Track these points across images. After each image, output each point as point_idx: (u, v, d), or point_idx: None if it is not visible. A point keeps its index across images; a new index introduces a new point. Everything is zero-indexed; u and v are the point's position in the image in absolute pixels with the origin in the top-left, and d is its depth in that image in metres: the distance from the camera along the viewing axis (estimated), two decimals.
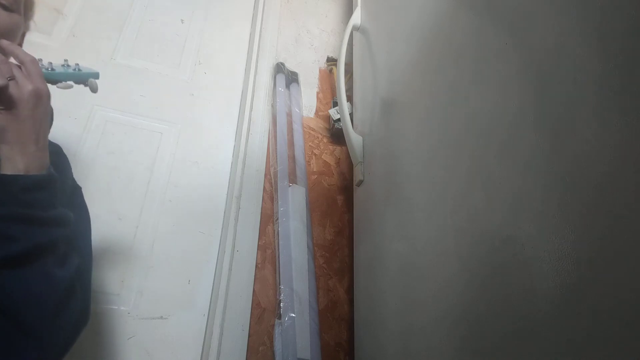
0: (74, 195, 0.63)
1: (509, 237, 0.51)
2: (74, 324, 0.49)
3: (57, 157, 0.63)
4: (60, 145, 0.67)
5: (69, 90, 0.59)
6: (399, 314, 0.77)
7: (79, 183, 0.67)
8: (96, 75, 0.59)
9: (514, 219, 0.51)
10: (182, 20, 1.36)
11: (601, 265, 0.39)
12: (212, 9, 1.43)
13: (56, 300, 0.46)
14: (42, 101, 0.49)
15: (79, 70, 0.58)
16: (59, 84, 0.56)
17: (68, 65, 0.57)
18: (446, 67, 0.72)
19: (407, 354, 0.72)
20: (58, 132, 0.77)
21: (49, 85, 0.55)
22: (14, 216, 0.44)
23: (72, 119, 1.07)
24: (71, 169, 0.66)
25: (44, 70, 0.54)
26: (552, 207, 0.45)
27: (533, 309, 0.46)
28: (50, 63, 0.56)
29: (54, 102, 0.69)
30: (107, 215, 0.99)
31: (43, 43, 1.14)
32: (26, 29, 0.66)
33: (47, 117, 0.50)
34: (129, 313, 0.92)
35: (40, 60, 0.54)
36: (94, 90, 0.60)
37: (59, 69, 0.56)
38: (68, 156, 0.67)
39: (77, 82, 0.58)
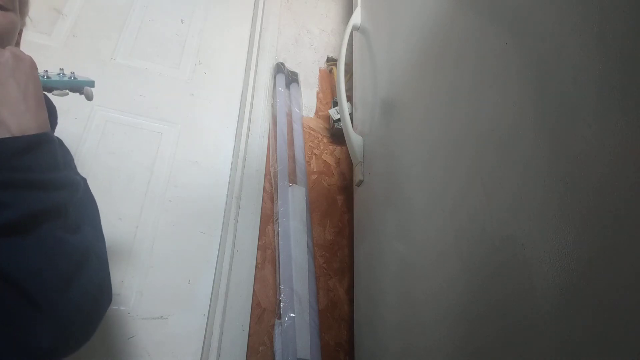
0: None
1: (509, 237, 0.51)
2: (92, 298, 0.45)
3: (60, 147, 0.63)
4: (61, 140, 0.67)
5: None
6: (399, 314, 0.77)
7: None
8: (91, 84, 0.60)
9: (514, 219, 0.51)
10: (182, 20, 1.36)
11: (601, 265, 0.39)
12: (212, 9, 1.43)
13: (66, 268, 0.42)
14: (23, 64, 0.48)
15: (75, 78, 0.59)
16: (55, 92, 0.57)
17: (64, 74, 0.58)
18: (446, 67, 0.72)
19: (408, 354, 0.72)
20: (58, 132, 0.77)
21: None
22: (5, 182, 0.41)
23: (72, 119, 1.07)
24: (73, 160, 0.65)
25: (39, 77, 0.55)
26: (552, 207, 0.45)
27: (533, 309, 0.46)
28: (46, 71, 0.56)
29: (55, 102, 0.69)
30: (107, 215, 0.98)
31: (43, 43, 1.14)
32: (22, 25, 0.66)
33: (34, 79, 0.49)
34: (129, 313, 0.92)
35: (36, 69, 0.55)
36: (89, 98, 0.61)
37: (54, 77, 0.57)
38: None
39: (72, 90, 0.60)
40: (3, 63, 0.46)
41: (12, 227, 0.41)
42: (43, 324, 0.40)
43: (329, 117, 1.32)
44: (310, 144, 1.27)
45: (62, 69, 0.58)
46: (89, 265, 0.45)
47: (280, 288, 0.99)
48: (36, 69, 0.50)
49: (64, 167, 0.48)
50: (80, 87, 0.59)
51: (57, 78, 0.57)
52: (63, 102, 1.08)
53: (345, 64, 1.18)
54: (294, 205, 1.10)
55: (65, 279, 0.42)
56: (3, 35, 0.55)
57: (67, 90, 0.58)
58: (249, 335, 0.94)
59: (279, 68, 1.35)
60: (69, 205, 0.46)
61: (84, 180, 0.64)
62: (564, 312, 0.42)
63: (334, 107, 1.32)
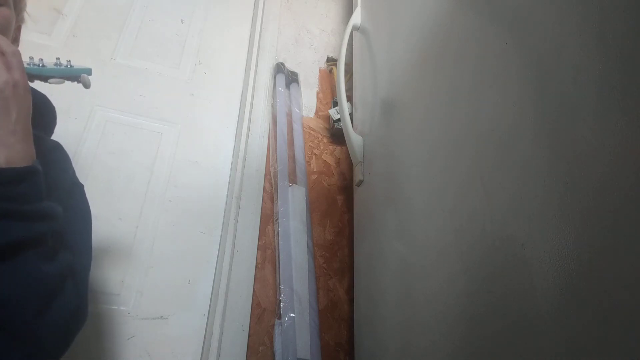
0: (72, 192, 0.62)
1: (509, 237, 0.51)
2: (65, 323, 0.47)
3: (57, 152, 0.62)
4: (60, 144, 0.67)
5: (69, 90, 0.59)
6: (399, 314, 0.77)
7: None
8: (88, 71, 0.59)
9: (514, 219, 0.51)
10: (182, 20, 1.36)
11: (601, 265, 0.39)
12: (212, 9, 1.43)
13: (39, 298, 0.44)
14: (17, 92, 0.47)
15: (71, 66, 0.57)
16: (51, 80, 0.56)
17: (60, 64, 0.57)
18: (446, 67, 0.72)
19: (407, 354, 0.72)
20: (58, 132, 0.77)
21: (43, 83, 0.55)
22: None
23: (72, 119, 1.07)
24: (72, 165, 0.65)
25: (34, 66, 0.54)
26: (552, 207, 0.45)
27: (533, 309, 0.46)
28: (42, 60, 0.55)
29: (55, 102, 0.69)
30: (107, 215, 0.99)
31: (43, 43, 1.14)
32: (21, 21, 0.65)
33: (26, 109, 0.49)
34: (129, 313, 0.92)
35: (32, 58, 0.54)
36: (86, 86, 0.60)
37: (50, 66, 0.56)
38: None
39: (69, 79, 0.58)
40: (1, 89, 0.46)
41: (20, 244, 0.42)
42: (14, 350, 0.42)
43: (329, 117, 1.32)
44: (310, 144, 1.27)
45: (59, 58, 0.57)
46: (63, 293, 0.47)
47: (280, 288, 0.99)
48: (29, 92, 0.50)
49: (47, 197, 0.48)
50: (77, 75, 0.58)
51: (54, 67, 0.56)
52: (63, 102, 1.08)
53: (345, 64, 1.18)
54: (294, 205, 1.10)
55: (37, 309, 0.43)
56: None
57: (63, 79, 0.57)
58: (249, 335, 0.94)
59: (279, 68, 1.35)
60: (46, 234, 0.47)
61: (81, 186, 0.64)
62: (564, 312, 0.42)
63: (334, 107, 1.32)
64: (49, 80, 0.56)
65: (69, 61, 0.58)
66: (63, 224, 0.50)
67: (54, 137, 0.68)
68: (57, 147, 0.64)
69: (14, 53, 0.49)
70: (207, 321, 0.97)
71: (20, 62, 0.49)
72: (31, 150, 0.48)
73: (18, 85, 0.48)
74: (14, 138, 0.46)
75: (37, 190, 0.47)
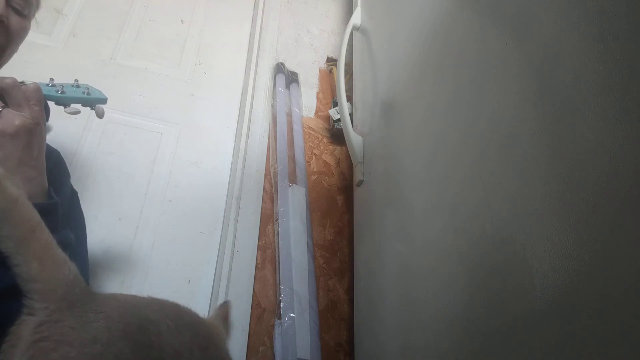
0: (72, 204, 0.63)
1: (509, 237, 0.51)
2: None
3: (59, 165, 0.63)
4: (61, 146, 0.67)
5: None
6: (399, 314, 0.77)
7: (79, 183, 0.67)
8: (104, 101, 0.60)
9: (514, 219, 0.51)
10: (182, 20, 1.36)
11: (601, 265, 0.39)
12: (212, 9, 1.43)
13: None
14: (38, 129, 0.49)
15: (88, 93, 0.58)
16: (67, 109, 0.57)
17: (78, 86, 0.58)
18: (446, 67, 0.72)
19: (407, 354, 0.72)
20: (58, 132, 0.77)
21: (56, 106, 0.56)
22: None
23: (72, 119, 1.06)
24: (69, 175, 0.66)
25: (54, 92, 0.54)
26: (552, 207, 0.45)
27: (532, 309, 0.46)
28: (62, 85, 0.56)
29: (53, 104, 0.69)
30: (107, 215, 0.99)
31: (43, 43, 1.14)
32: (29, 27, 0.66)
33: (44, 143, 0.50)
34: None
35: (52, 80, 0.55)
36: (100, 116, 0.61)
37: (69, 91, 0.56)
38: (68, 156, 0.68)
39: (84, 106, 0.59)
40: (27, 126, 0.47)
41: (14, 288, 0.41)
42: None
43: (329, 117, 1.32)
44: (310, 144, 1.27)
45: (77, 80, 0.58)
46: None
47: (280, 288, 0.99)
48: (45, 125, 0.50)
49: (61, 226, 0.50)
50: (92, 104, 0.59)
51: (72, 92, 0.57)
52: None
53: (345, 64, 1.17)
54: (294, 205, 1.10)
55: None
56: (16, 39, 0.57)
57: (79, 108, 0.58)
58: (249, 335, 0.94)
59: (279, 68, 1.35)
60: None
61: (76, 194, 0.65)
62: (564, 312, 0.42)
63: (334, 107, 1.32)
64: (65, 110, 0.57)
65: (88, 87, 0.58)
66: (75, 249, 0.52)
67: (53, 136, 0.69)
68: (58, 160, 0.65)
69: (36, 90, 0.49)
70: None
71: (42, 97, 0.50)
72: (45, 181, 0.50)
73: (39, 123, 0.49)
74: (35, 172, 0.48)
75: (56, 222, 0.49)
